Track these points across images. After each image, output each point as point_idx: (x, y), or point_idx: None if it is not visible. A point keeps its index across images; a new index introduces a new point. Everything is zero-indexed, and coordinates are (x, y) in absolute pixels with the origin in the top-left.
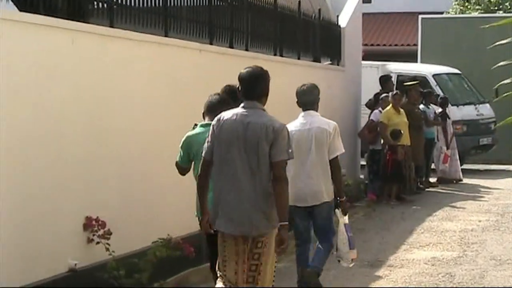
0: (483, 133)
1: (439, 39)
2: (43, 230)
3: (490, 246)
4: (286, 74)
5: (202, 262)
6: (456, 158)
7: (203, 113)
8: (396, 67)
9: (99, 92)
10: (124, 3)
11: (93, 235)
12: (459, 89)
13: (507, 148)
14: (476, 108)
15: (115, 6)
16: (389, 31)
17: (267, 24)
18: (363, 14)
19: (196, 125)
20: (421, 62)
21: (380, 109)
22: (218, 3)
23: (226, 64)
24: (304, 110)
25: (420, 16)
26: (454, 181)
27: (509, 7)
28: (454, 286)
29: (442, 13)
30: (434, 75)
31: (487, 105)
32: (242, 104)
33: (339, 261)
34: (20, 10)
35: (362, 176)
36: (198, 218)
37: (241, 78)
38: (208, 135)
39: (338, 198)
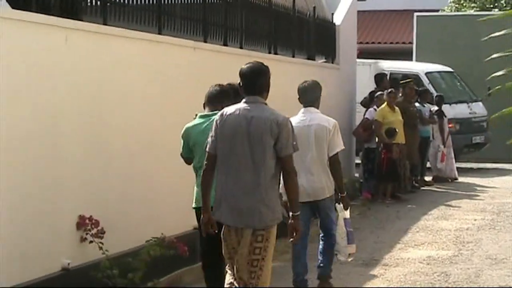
0: (476, 131)
1: (434, 37)
2: (37, 229)
3: (485, 245)
4: (280, 72)
5: (196, 261)
6: (451, 157)
7: (204, 104)
8: (388, 65)
9: (92, 90)
10: (117, 0)
11: (86, 234)
12: (452, 87)
13: (501, 146)
14: (469, 106)
15: (108, 4)
16: (385, 29)
17: (261, 22)
18: (358, 11)
19: (196, 115)
20: (417, 60)
21: (375, 107)
22: (212, 1)
23: (220, 62)
24: (304, 106)
25: (416, 14)
26: (450, 180)
27: (504, 4)
28: (450, 285)
29: (437, 10)
30: (426, 73)
31: (480, 103)
32: (244, 99)
33: (336, 254)
34: (13, 8)
35: (357, 175)
36: (196, 210)
37: (242, 74)
38: (212, 130)
39: (339, 194)
